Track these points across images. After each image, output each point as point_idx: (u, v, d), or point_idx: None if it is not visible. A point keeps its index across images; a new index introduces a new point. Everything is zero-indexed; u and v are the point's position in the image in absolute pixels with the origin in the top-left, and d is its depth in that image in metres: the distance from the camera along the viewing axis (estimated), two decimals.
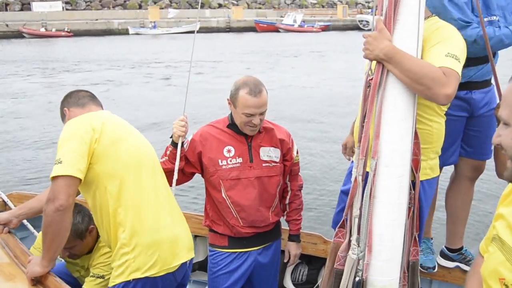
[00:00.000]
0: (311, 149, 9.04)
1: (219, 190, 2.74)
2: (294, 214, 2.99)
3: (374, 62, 2.07)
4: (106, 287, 2.56)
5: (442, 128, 2.45)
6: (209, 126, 2.84)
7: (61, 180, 2.11)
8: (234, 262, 2.83)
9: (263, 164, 2.77)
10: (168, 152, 2.72)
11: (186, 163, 2.77)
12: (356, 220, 2.04)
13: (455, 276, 3.17)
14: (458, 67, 2.08)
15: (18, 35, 46.15)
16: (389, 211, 2.01)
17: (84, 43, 39.80)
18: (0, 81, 18.90)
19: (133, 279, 2.25)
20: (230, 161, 2.72)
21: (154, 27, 53.23)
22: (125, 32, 51.15)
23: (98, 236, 2.74)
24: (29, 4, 54.47)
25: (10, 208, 3.21)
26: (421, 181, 2.41)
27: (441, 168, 2.79)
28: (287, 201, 2.98)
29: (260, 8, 68.71)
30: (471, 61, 2.59)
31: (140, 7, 61.68)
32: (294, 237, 3.03)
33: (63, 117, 2.54)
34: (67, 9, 57.01)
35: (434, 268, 3.13)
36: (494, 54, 2.82)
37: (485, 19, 2.68)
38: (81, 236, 2.61)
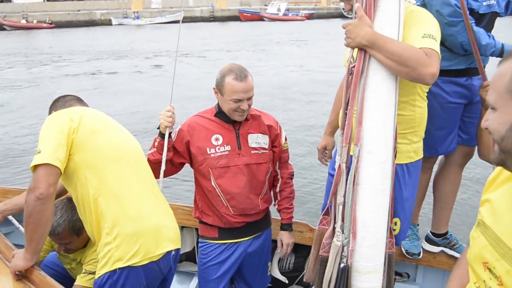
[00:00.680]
0: (297, 137, 9.05)
1: (209, 178, 2.73)
2: (285, 202, 2.96)
3: (356, 50, 2.07)
4: None
5: (424, 112, 2.47)
6: (197, 116, 2.83)
7: (40, 169, 2.12)
8: (224, 253, 2.83)
9: (252, 151, 2.76)
10: (156, 143, 2.70)
11: (174, 154, 2.75)
12: (340, 207, 2.06)
13: (440, 261, 3.20)
14: (436, 46, 2.11)
15: None
16: (373, 197, 2.03)
17: (66, 35, 39.25)
18: None
19: (118, 269, 2.25)
20: (219, 149, 2.71)
21: (137, 17, 52.73)
22: (108, 23, 50.53)
23: None
24: None
25: None
26: (405, 164, 2.44)
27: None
28: (277, 189, 2.96)
29: None
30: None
31: None
32: (286, 226, 2.98)
33: None
34: (48, 0, 56.15)
35: (419, 254, 3.16)
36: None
37: (484, 3, 2.72)
38: (78, 233, 2.61)
